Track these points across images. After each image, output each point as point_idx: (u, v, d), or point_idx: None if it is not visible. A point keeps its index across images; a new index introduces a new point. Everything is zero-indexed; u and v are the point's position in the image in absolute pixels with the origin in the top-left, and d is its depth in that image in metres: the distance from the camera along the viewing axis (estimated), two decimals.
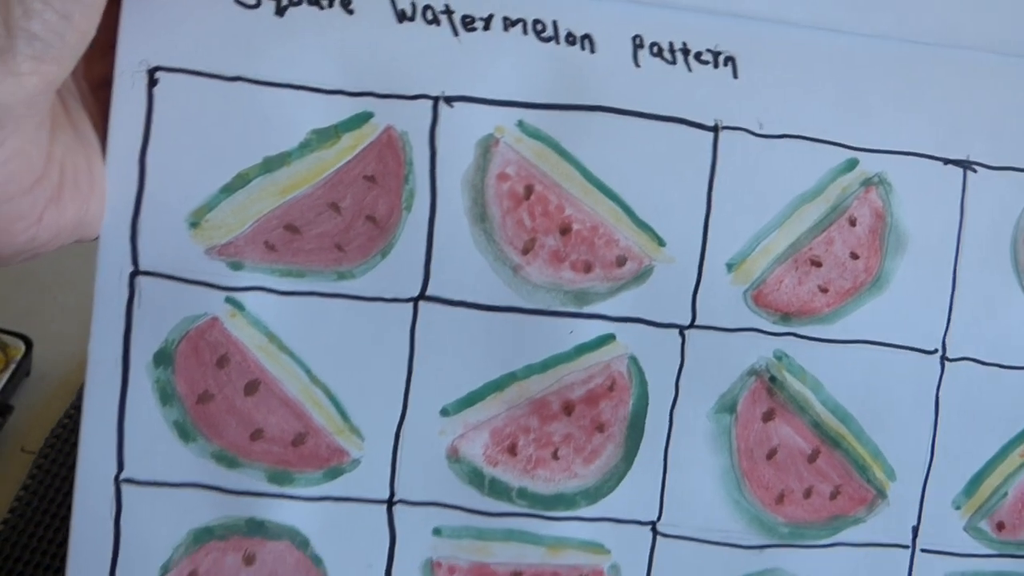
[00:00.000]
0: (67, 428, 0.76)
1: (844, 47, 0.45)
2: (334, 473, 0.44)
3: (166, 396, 0.42)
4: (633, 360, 0.45)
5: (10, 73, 0.34)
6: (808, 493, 0.47)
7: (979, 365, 0.47)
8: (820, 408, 0.46)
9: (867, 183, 0.45)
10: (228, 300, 0.42)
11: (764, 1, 0.44)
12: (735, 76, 0.44)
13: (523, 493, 0.45)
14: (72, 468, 0.70)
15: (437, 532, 0.45)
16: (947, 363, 0.47)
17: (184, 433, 0.43)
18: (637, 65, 0.44)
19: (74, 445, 0.70)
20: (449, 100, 0.43)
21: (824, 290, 0.46)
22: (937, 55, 0.46)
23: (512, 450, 0.45)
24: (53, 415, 0.77)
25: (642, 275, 0.44)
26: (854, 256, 0.46)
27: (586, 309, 0.44)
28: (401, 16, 0.42)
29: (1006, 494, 0.49)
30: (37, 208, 0.37)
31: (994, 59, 0.46)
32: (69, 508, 0.68)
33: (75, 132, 0.40)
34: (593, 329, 0.45)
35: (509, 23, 0.43)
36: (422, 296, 0.43)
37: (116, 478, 0.43)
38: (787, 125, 0.45)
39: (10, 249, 0.37)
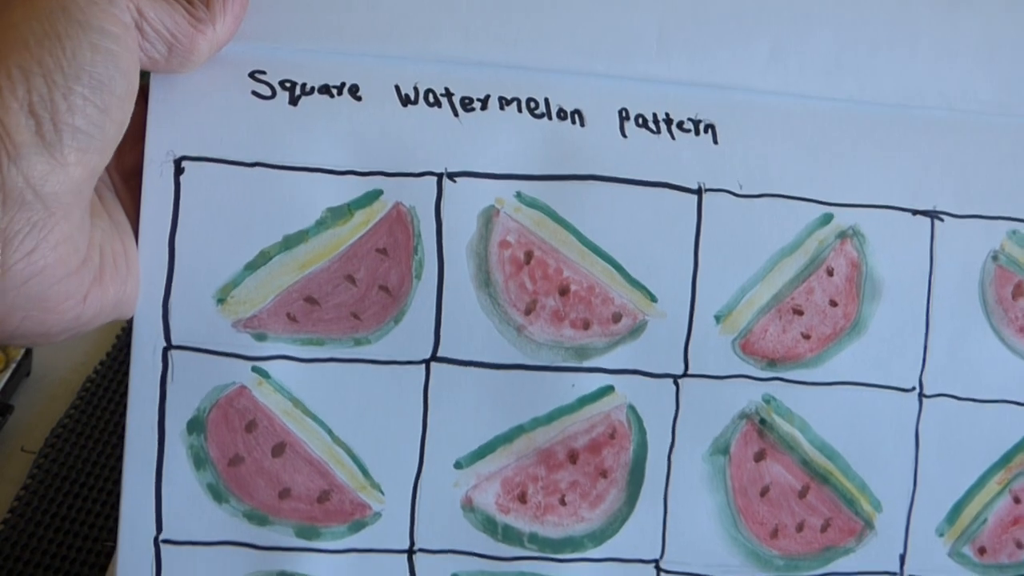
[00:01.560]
0: (67, 428, 0.78)
1: (815, 111, 0.50)
2: (358, 526, 0.48)
3: (200, 461, 0.47)
4: (632, 409, 0.50)
5: (59, 165, 0.39)
6: (800, 527, 0.51)
7: (955, 400, 0.52)
8: (808, 447, 0.51)
9: (842, 235, 0.50)
10: (254, 369, 0.47)
11: (739, 72, 0.49)
12: (715, 142, 0.49)
13: (534, 538, 0.50)
14: (72, 468, 0.75)
15: None
16: (925, 400, 0.52)
17: (217, 495, 0.47)
18: (624, 136, 0.49)
19: (74, 445, 0.76)
20: (452, 176, 0.47)
21: (807, 336, 0.50)
22: (899, 114, 0.51)
23: (522, 498, 0.49)
24: (53, 415, 0.79)
25: (637, 330, 0.49)
26: (833, 304, 0.50)
27: (586, 363, 0.49)
28: (405, 100, 0.47)
29: (986, 520, 0.53)
30: (83, 288, 0.42)
31: (952, 115, 0.51)
32: (69, 508, 0.73)
33: (111, 219, 0.45)
34: (593, 382, 0.49)
35: (504, 102, 0.48)
36: (434, 358, 0.48)
37: (156, 539, 0.47)
38: (765, 185, 0.50)
39: (59, 327, 0.42)
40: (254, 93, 0.46)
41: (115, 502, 0.47)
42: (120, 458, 0.48)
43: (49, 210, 0.39)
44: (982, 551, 0.53)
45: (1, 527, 0.73)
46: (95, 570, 0.70)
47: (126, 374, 0.47)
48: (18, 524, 0.73)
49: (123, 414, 0.47)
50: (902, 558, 0.52)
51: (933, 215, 0.51)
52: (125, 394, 0.47)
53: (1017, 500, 0.53)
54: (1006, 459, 0.53)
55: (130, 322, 0.46)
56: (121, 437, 0.46)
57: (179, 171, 0.46)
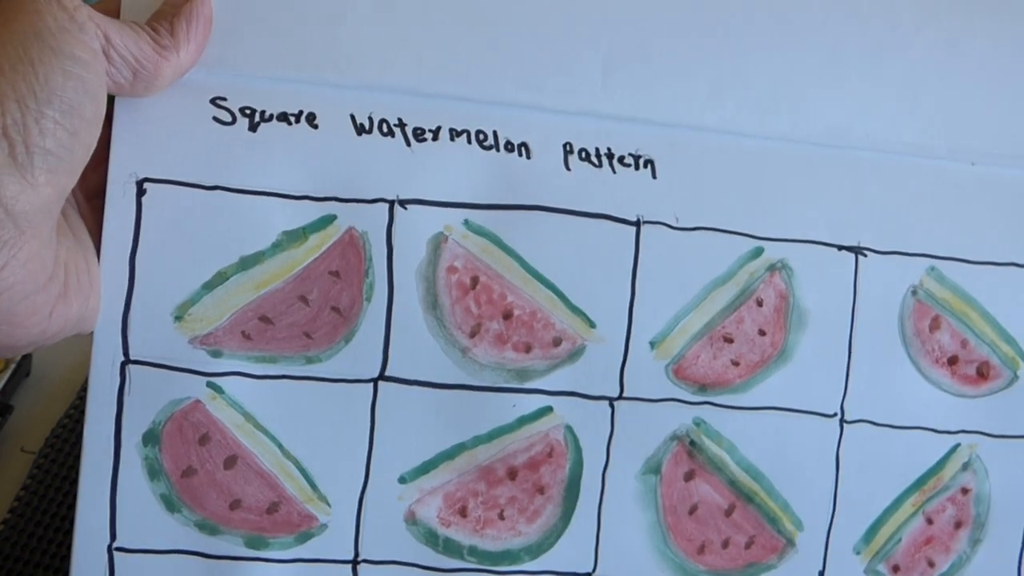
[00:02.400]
0: (67, 428, 0.78)
1: (748, 149, 0.53)
2: (304, 537, 0.51)
3: (154, 472, 0.49)
4: (569, 429, 0.52)
5: (29, 185, 0.41)
6: (726, 543, 0.55)
7: (873, 426, 0.55)
8: (735, 468, 0.54)
9: (771, 268, 0.53)
10: (209, 384, 0.49)
11: (680, 109, 0.52)
12: (654, 177, 0.52)
13: (473, 551, 0.52)
14: (72, 468, 0.75)
15: None
16: (845, 425, 0.55)
17: (170, 505, 0.49)
18: (568, 169, 0.51)
19: (74, 445, 0.76)
20: (403, 203, 0.50)
21: (736, 363, 0.53)
22: (827, 154, 0.54)
23: (463, 512, 0.52)
24: (53, 415, 0.79)
25: (576, 354, 0.52)
26: (762, 333, 0.54)
27: (527, 385, 0.52)
28: (360, 130, 0.50)
29: (900, 539, 0.57)
30: (49, 304, 0.44)
31: (877, 157, 0.54)
32: (69, 508, 0.72)
33: (74, 237, 0.47)
34: (533, 402, 0.52)
35: (455, 133, 0.50)
36: (381, 377, 0.51)
37: (109, 547, 0.49)
38: (700, 219, 0.53)
39: (25, 340, 0.44)
40: (215, 119, 0.49)
41: None
42: None
43: (19, 228, 0.41)
44: (896, 569, 0.57)
45: (1, 527, 0.73)
46: None
47: None
48: (18, 524, 0.73)
49: None
50: (821, 574, 0.55)
51: (857, 251, 0.54)
52: None
53: (930, 521, 0.57)
54: (920, 482, 0.56)
55: (92, 336, 0.48)
56: None
57: (141, 192, 0.48)
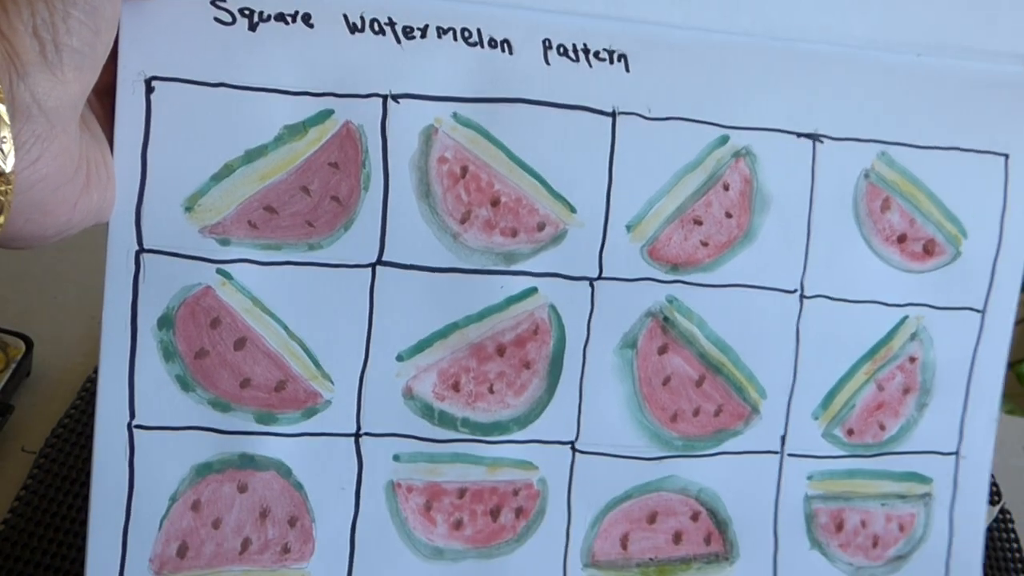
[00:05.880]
0: (67, 428, 0.80)
1: (714, 43, 0.57)
2: (310, 412, 0.55)
3: (168, 354, 0.53)
4: (552, 308, 0.57)
5: (59, 82, 0.44)
6: (696, 412, 0.60)
7: (830, 301, 0.61)
8: (704, 341, 0.59)
9: (737, 155, 0.58)
10: (219, 271, 0.53)
11: (650, 7, 0.56)
12: (627, 70, 0.56)
13: (466, 422, 0.57)
14: (72, 468, 0.77)
15: (396, 458, 0.56)
16: (804, 300, 0.60)
17: (185, 384, 0.53)
18: (547, 63, 0.55)
19: (74, 445, 0.78)
20: (396, 97, 0.53)
21: (705, 244, 0.58)
22: (787, 47, 0.58)
23: (456, 387, 0.56)
24: (53, 415, 0.81)
25: (558, 237, 0.56)
26: (728, 215, 0.58)
27: (513, 267, 0.56)
28: (353, 28, 0.53)
29: (854, 406, 0.62)
30: (74, 194, 0.47)
31: (834, 49, 0.59)
32: (70, 508, 0.75)
33: (90, 133, 0.50)
34: (519, 284, 0.56)
35: (441, 31, 0.54)
36: (379, 262, 0.54)
37: (129, 425, 0.52)
38: (671, 109, 0.57)
39: (54, 229, 0.47)
40: (216, 19, 0.51)
41: None
42: None
43: (51, 123, 0.44)
44: (850, 432, 0.62)
45: (1, 527, 0.74)
46: None
47: None
48: (18, 524, 0.74)
49: None
50: (783, 439, 0.61)
51: (814, 138, 0.59)
52: None
53: (881, 388, 0.62)
54: (872, 352, 0.62)
55: (106, 229, 0.51)
56: None
57: (150, 90, 0.51)
